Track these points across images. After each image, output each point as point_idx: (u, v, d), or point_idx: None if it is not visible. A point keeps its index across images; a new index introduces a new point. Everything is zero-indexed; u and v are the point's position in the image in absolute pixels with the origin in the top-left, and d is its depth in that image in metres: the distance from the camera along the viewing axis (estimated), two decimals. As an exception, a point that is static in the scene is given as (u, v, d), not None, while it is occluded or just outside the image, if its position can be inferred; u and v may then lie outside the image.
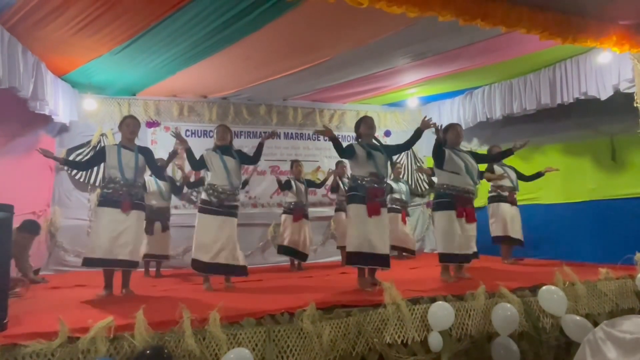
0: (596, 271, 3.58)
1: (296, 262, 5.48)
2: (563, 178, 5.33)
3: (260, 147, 4.06)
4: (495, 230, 5.06)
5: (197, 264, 3.79)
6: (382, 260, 3.47)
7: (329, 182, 5.64)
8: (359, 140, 3.74)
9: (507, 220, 4.98)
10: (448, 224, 3.79)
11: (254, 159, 4.10)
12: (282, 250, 5.35)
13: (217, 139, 4.00)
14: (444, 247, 3.82)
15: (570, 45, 3.81)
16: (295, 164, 5.52)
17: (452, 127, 4.07)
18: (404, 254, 6.08)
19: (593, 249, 4.85)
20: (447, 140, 4.00)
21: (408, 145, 3.88)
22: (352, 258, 3.50)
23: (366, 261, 3.46)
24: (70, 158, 5.59)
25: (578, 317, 2.96)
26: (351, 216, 3.58)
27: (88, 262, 3.51)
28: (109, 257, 3.47)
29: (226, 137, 3.99)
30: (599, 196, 4.95)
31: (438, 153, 3.90)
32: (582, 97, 4.70)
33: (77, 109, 5.57)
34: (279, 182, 5.40)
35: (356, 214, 3.51)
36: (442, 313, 2.74)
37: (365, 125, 3.71)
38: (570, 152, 5.32)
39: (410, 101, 6.87)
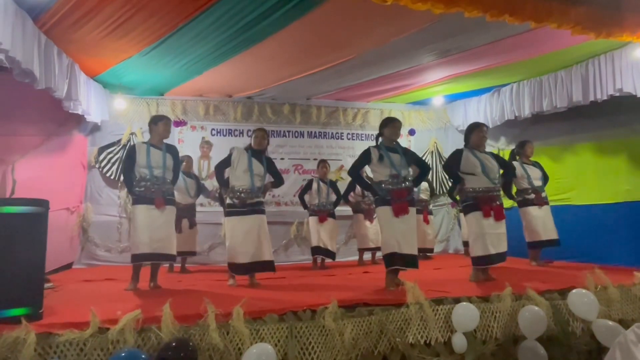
0: (631, 275, 3.43)
1: (319, 260, 5.50)
2: (596, 178, 5.14)
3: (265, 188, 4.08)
4: (527, 236, 4.93)
5: (233, 267, 3.85)
6: (410, 261, 3.44)
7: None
8: (380, 139, 3.72)
9: (535, 224, 4.82)
10: (476, 226, 3.75)
11: (275, 184, 4.18)
12: (315, 251, 5.38)
13: (254, 142, 4.03)
14: (477, 250, 3.76)
15: (604, 40, 3.67)
16: (322, 164, 5.55)
17: (477, 129, 3.97)
18: (427, 254, 6.00)
19: (628, 252, 4.65)
20: (470, 140, 3.94)
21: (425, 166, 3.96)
22: (389, 260, 3.46)
23: (395, 262, 3.44)
24: (102, 156, 5.83)
25: (610, 322, 2.84)
26: (379, 219, 3.58)
27: (135, 258, 3.66)
28: (152, 252, 3.61)
29: (263, 142, 4.05)
30: (635, 197, 4.75)
31: (453, 158, 3.95)
32: (617, 94, 4.50)
33: (108, 108, 5.76)
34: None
35: (383, 216, 3.50)
36: (466, 314, 2.69)
37: (391, 129, 3.66)
38: (603, 152, 5.12)
39: (435, 99, 6.76)
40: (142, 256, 3.63)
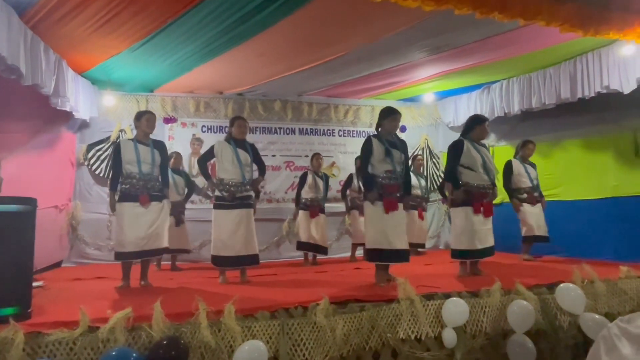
0: (617, 269, 3.50)
1: (310, 257, 5.51)
2: (584, 174, 5.21)
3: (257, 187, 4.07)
4: (523, 231, 4.96)
5: (217, 260, 3.84)
6: (402, 256, 3.47)
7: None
8: (379, 130, 3.68)
9: (529, 219, 4.87)
10: (465, 220, 3.77)
11: (260, 174, 4.12)
12: (302, 246, 5.38)
13: (237, 132, 3.98)
14: (459, 243, 3.80)
15: (592, 37, 3.71)
16: (316, 157, 5.54)
17: (483, 123, 3.94)
18: (418, 249, 6.05)
19: (614, 247, 4.73)
20: (472, 133, 3.93)
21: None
22: (371, 255, 3.50)
23: (384, 258, 3.46)
24: (90, 153, 5.78)
25: (597, 316, 2.90)
26: (368, 213, 3.57)
27: (120, 256, 3.62)
28: (139, 250, 3.57)
29: (243, 130, 4.00)
30: (622, 193, 4.82)
31: (455, 150, 3.88)
32: (604, 91, 4.57)
33: (97, 105, 5.69)
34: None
35: (372, 211, 3.50)
36: (456, 309, 2.72)
37: (392, 120, 3.61)
38: (591, 148, 5.19)
39: (426, 96, 6.80)
40: (128, 254, 3.58)
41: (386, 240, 3.41)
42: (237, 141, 3.96)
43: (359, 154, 5.76)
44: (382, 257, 3.45)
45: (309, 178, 5.39)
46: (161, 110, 6.06)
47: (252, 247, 3.88)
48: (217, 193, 3.90)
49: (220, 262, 3.83)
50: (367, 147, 3.58)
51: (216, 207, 3.89)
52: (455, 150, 3.90)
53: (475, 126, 3.94)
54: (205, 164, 4.03)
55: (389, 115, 3.63)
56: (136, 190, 3.63)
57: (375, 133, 3.70)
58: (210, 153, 3.99)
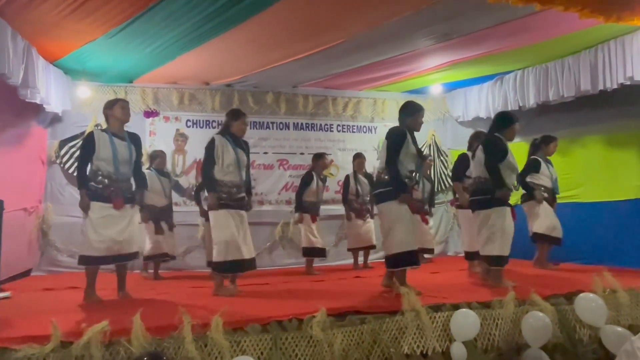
0: (641, 278, 3.53)
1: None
2: (606, 173, 5.24)
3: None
4: (536, 227, 4.92)
5: (223, 266, 3.72)
6: (417, 258, 3.55)
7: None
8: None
9: (543, 216, 4.88)
10: (502, 220, 3.74)
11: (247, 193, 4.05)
12: (309, 252, 5.38)
13: (236, 128, 3.91)
14: (497, 249, 3.74)
15: (614, 24, 3.74)
16: (322, 157, 5.52)
17: (514, 121, 3.95)
18: (424, 255, 6.05)
19: (638, 253, 4.77)
20: (506, 133, 3.91)
21: None
22: (399, 260, 3.50)
23: (413, 260, 3.51)
24: (63, 150, 5.77)
25: (620, 329, 2.92)
26: (391, 214, 3.53)
27: (85, 260, 3.53)
28: (106, 254, 3.52)
29: (245, 129, 3.99)
30: (647, 194, 4.86)
31: (500, 149, 3.81)
32: (628, 83, 4.60)
33: (70, 97, 5.68)
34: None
35: (397, 211, 3.49)
36: (466, 322, 2.74)
37: (419, 117, 3.63)
38: (614, 145, 5.22)
39: (433, 88, 6.82)
40: (95, 259, 3.50)
41: (413, 241, 3.50)
42: (235, 139, 3.92)
43: (359, 151, 5.88)
44: (410, 260, 3.49)
45: (313, 183, 5.37)
46: (141, 102, 6.06)
47: (252, 249, 3.88)
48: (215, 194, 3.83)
49: (228, 267, 3.72)
50: (399, 140, 3.52)
51: (219, 207, 3.76)
52: (500, 149, 3.82)
53: (509, 125, 3.91)
54: (213, 174, 3.81)
55: (416, 111, 3.65)
56: (111, 192, 3.56)
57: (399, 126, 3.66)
58: (211, 158, 3.79)
